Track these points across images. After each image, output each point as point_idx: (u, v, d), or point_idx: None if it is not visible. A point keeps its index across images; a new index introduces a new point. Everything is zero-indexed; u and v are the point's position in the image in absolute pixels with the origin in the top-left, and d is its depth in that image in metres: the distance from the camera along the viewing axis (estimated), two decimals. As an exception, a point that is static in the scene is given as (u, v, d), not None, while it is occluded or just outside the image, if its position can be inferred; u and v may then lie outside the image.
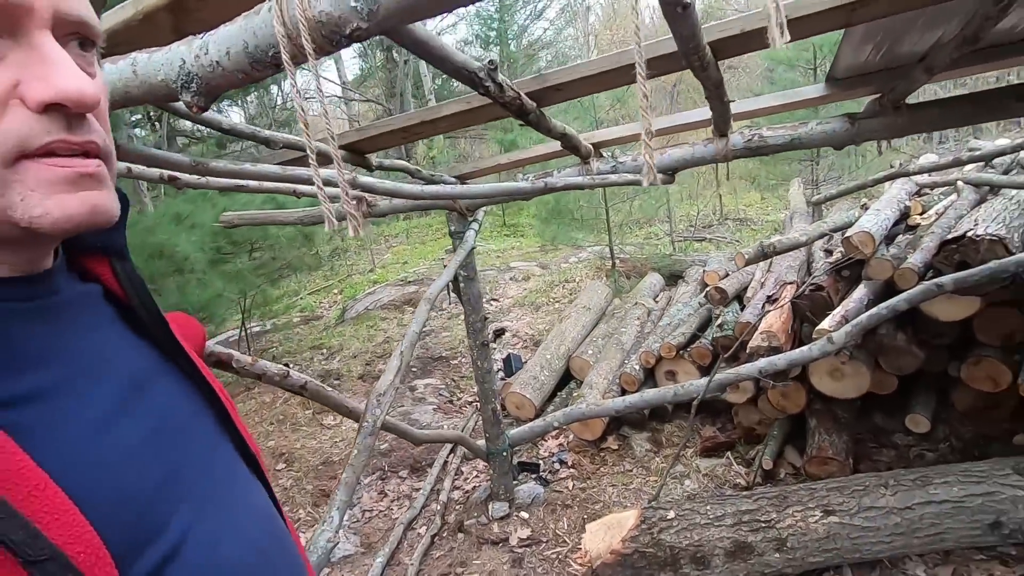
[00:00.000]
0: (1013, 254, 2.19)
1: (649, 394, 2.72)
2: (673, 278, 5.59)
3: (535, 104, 1.60)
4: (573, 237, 7.52)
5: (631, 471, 3.21)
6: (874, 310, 2.25)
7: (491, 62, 1.28)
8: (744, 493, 2.48)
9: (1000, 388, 2.59)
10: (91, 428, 0.45)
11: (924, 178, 3.27)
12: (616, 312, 4.80)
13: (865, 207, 3.24)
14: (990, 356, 2.60)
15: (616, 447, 3.42)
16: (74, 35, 0.44)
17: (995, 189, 2.83)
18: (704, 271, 4.50)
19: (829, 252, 3.34)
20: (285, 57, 0.83)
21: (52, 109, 0.41)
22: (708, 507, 2.32)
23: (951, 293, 2.25)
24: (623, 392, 3.51)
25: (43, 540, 0.37)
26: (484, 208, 2.89)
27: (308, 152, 0.83)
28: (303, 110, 0.87)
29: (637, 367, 3.57)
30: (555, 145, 2.23)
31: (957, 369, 2.73)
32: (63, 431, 0.44)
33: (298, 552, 0.60)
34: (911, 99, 1.94)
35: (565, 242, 7.80)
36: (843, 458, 2.68)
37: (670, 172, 2.32)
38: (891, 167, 4.89)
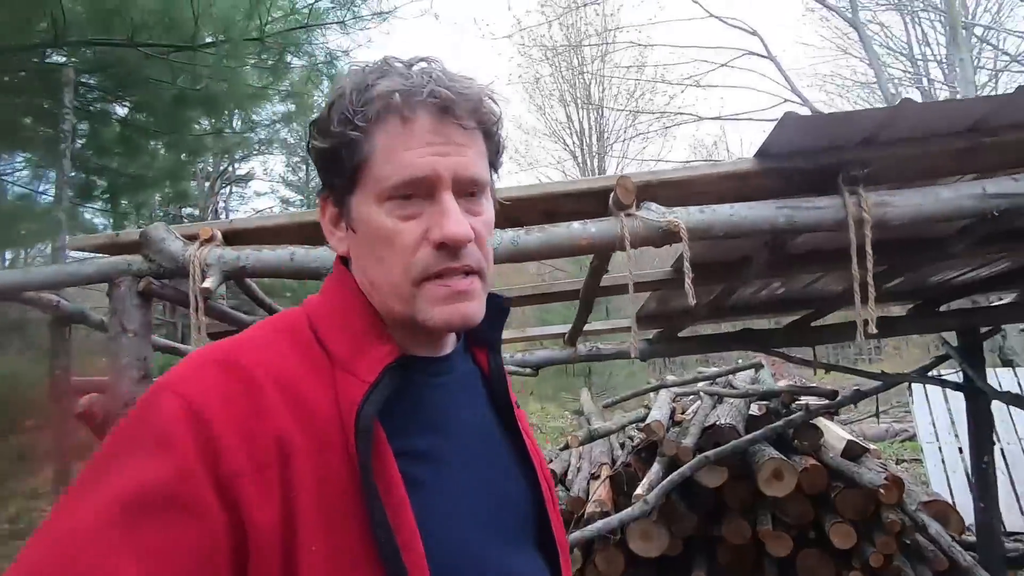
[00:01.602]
0: (742, 436, 3.39)
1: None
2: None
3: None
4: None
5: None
6: (671, 476, 3.16)
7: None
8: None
9: (747, 541, 3.60)
10: (448, 489, 0.59)
11: (680, 388, 4.66)
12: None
13: (648, 407, 4.45)
14: (737, 517, 3.64)
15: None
16: (466, 188, 0.61)
17: (721, 397, 4.25)
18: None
19: (623, 445, 4.37)
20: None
21: (443, 246, 0.58)
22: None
23: (713, 464, 3.29)
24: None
25: None
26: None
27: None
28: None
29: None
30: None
31: (719, 530, 3.72)
32: (437, 492, 0.57)
33: None
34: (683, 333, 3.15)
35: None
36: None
37: (535, 367, 3.14)
38: (648, 382, 6.54)
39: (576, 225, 1.52)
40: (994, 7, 13.37)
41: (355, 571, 0.53)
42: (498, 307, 0.68)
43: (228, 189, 17.35)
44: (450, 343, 0.68)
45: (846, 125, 1.48)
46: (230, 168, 16.08)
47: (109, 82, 4.40)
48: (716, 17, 10.33)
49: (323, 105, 0.63)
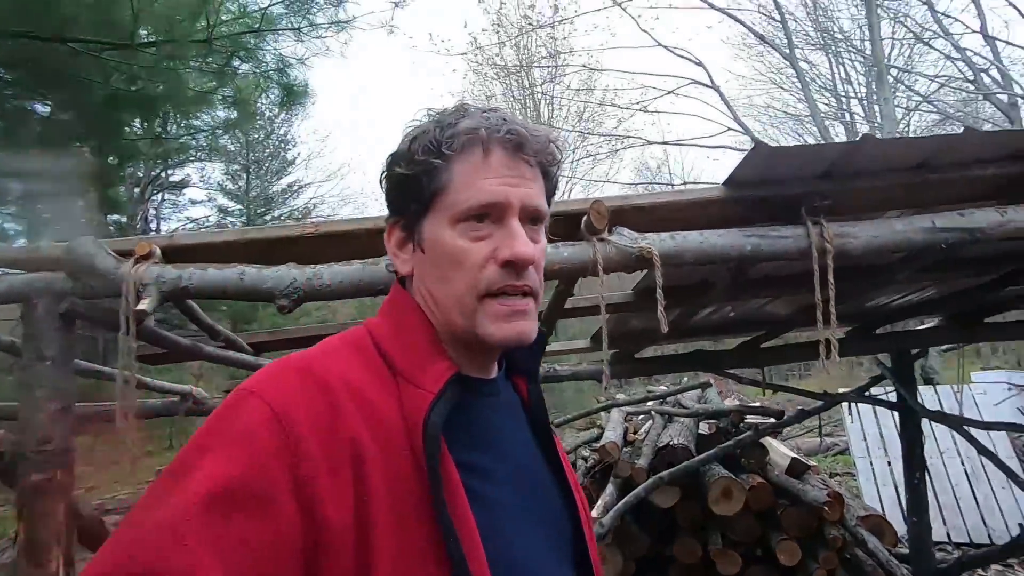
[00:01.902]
0: (695, 456, 3.43)
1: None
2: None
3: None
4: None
5: None
6: (626, 498, 3.15)
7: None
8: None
9: (697, 560, 3.64)
10: (500, 503, 0.63)
11: (632, 408, 4.70)
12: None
13: (602, 427, 4.45)
14: (688, 537, 3.68)
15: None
16: (530, 216, 0.68)
17: (672, 416, 4.31)
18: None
19: (574, 465, 4.35)
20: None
21: (508, 265, 0.64)
22: None
23: (667, 484, 3.31)
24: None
25: None
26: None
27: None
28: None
29: None
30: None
31: (670, 550, 3.74)
32: (494, 506, 0.62)
33: None
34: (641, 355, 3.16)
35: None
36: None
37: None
38: (597, 400, 6.58)
39: (548, 248, 1.48)
40: (907, 51, 14.57)
41: (424, 570, 0.56)
42: (539, 338, 0.72)
43: (160, 196, 16.44)
44: (495, 368, 0.73)
45: (810, 157, 1.53)
46: (163, 174, 15.25)
47: (30, 78, 4.06)
48: (664, 47, 10.75)
49: (401, 140, 0.69)
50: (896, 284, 2.46)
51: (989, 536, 4.81)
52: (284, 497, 0.53)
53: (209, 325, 2.24)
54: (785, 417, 3.77)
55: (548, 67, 13.98)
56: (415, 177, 0.66)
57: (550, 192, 0.73)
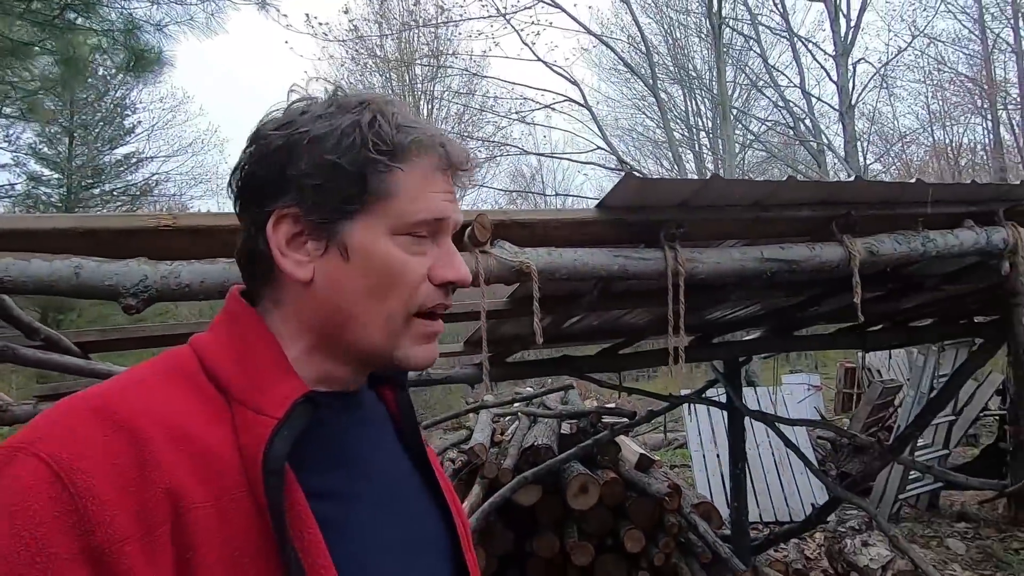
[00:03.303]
0: (557, 455, 3.64)
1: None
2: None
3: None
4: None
5: None
6: (492, 498, 3.25)
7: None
8: None
9: (555, 554, 3.85)
10: (363, 528, 0.58)
11: (499, 409, 4.84)
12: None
13: (470, 428, 4.53)
14: (548, 532, 3.88)
15: None
16: (452, 233, 0.66)
17: (537, 417, 4.52)
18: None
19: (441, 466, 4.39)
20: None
21: (445, 285, 0.62)
22: None
23: (531, 483, 3.48)
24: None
25: None
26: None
27: None
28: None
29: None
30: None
31: (531, 545, 3.92)
32: (353, 532, 0.57)
33: None
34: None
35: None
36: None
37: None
38: (465, 402, 6.68)
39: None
40: (745, 95, 16.72)
41: None
42: None
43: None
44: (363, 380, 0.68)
45: (670, 189, 1.72)
46: (-46, 131, 12.66)
47: None
48: (544, 62, 11.21)
49: (316, 119, 0.59)
50: (730, 301, 2.83)
51: (790, 515, 5.69)
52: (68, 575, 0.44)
53: (27, 323, 1.93)
54: (637, 417, 4.14)
55: (430, 66, 13.90)
56: (356, 172, 0.58)
57: None
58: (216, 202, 18.79)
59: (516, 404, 5.03)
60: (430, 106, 15.83)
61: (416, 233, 0.61)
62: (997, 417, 6.54)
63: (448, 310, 0.64)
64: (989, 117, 16.81)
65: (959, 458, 6.53)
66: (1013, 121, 16.49)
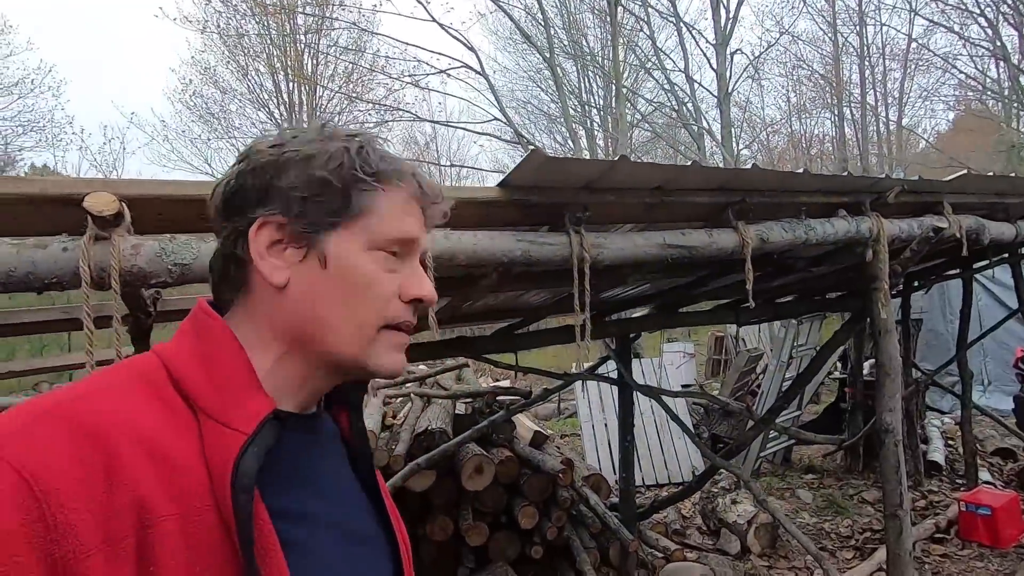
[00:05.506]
0: (451, 439, 3.53)
1: None
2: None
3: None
4: None
5: None
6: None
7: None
8: None
9: (448, 536, 3.78)
10: (320, 550, 0.60)
11: (390, 391, 4.62)
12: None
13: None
14: (441, 515, 3.79)
15: None
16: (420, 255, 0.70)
17: (431, 399, 4.37)
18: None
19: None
20: (85, 288, 1.05)
21: (415, 302, 0.66)
22: None
23: (424, 469, 3.34)
24: None
25: None
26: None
27: None
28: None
29: None
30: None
31: (424, 529, 3.81)
32: (311, 554, 0.58)
33: None
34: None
35: None
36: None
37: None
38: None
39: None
40: (635, 75, 17.29)
41: None
42: None
43: None
44: (318, 401, 0.69)
45: (576, 170, 1.62)
46: None
47: None
48: (439, 23, 10.71)
49: (308, 142, 0.64)
50: (627, 283, 2.85)
51: (669, 477, 6.10)
52: None
53: None
54: (532, 396, 4.13)
55: (314, 16, 12.77)
56: (343, 189, 0.62)
57: None
58: (52, 155, 16.20)
59: (408, 385, 4.84)
60: (314, 61, 14.63)
61: (389, 250, 0.64)
62: (838, 380, 7.44)
63: (414, 323, 0.66)
64: (836, 113, 18.91)
65: (807, 416, 7.37)
66: (854, 118, 18.65)
